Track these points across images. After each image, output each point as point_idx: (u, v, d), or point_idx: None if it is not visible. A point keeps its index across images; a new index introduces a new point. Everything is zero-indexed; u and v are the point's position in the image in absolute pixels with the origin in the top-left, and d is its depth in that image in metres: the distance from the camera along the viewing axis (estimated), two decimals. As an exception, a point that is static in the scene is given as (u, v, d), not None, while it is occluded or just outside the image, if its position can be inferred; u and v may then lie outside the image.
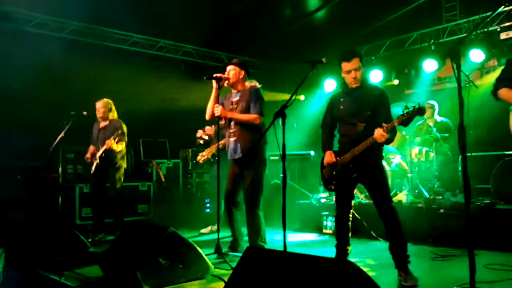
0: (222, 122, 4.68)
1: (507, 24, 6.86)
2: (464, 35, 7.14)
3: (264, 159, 4.59)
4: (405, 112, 3.34)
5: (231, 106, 4.60)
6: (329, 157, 3.86)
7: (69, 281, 3.63)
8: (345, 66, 3.71)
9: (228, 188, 4.67)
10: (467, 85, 5.77)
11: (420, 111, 3.31)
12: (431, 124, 6.76)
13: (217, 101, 4.57)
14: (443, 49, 7.22)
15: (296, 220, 6.71)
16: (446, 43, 7.42)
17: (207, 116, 4.65)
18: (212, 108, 4.55)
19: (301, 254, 2.42)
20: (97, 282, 3.72)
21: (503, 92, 3.40)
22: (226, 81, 4.56)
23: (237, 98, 4.59)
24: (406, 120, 3.36)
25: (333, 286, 2.13)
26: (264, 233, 4.61)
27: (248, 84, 4.63)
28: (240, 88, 4.63)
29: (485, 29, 7.04)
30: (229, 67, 4.62)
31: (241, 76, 4.60)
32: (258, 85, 4.65)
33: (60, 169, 6.96)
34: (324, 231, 6.15)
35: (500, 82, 3.44)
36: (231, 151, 4.59)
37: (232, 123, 4.57)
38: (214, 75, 4.50)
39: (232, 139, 4.57)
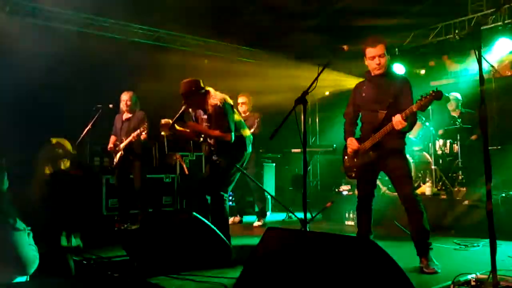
0: None
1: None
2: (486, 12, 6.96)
3: None
4: (423, 96, 3.34)
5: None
6: (352, 143, 3.86)
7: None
8: (370, 52, 3.68)
9: None
10: (492, 73, 5.65)
11: (437, 94, 3.31)
12: (456, 115, 6.66)
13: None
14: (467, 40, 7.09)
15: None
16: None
17: None
18: None
19: (321, 233, 2.44)
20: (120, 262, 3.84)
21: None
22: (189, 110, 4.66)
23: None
24: (424, 104, 3.35)
25: (353, 264, 2.15)
26: None
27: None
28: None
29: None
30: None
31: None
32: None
33: (88, 161, 7.13)
34: (346, 222, 6.15)
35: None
36: None
37: None
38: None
39: None
